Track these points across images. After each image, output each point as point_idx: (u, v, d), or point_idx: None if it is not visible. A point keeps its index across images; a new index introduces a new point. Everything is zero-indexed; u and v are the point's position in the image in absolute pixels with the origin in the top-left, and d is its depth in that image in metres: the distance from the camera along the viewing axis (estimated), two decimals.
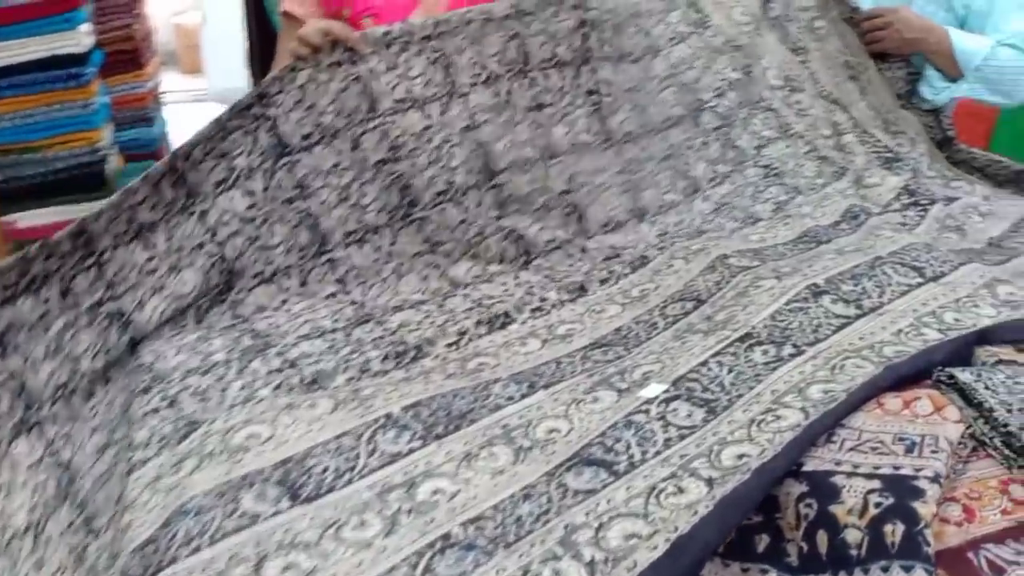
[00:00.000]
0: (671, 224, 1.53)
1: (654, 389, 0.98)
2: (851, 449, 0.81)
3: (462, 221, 1.39)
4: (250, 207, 1.23)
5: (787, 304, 1.14)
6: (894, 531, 0.71)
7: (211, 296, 1.21)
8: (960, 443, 0.82)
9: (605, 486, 0.83)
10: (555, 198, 1.47)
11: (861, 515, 0.73)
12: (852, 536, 0.72)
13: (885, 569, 0.68)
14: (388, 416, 0.97)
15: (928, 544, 0.69)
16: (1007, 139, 2.94)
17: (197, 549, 0.78)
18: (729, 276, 1.26)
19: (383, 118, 1.32)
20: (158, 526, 0.81)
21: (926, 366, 0.95)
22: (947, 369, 0.89)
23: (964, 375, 0.87)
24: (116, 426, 1.03)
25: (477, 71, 1.42)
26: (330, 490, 0.85)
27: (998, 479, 0.79)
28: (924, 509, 0.71)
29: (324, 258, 1.29)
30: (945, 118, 1.86)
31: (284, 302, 1.24)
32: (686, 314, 1.20)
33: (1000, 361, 0.96)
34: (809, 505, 0.77)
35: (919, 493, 0.73)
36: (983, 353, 0.98)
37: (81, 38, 1.96)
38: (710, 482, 0.81)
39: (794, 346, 1.04)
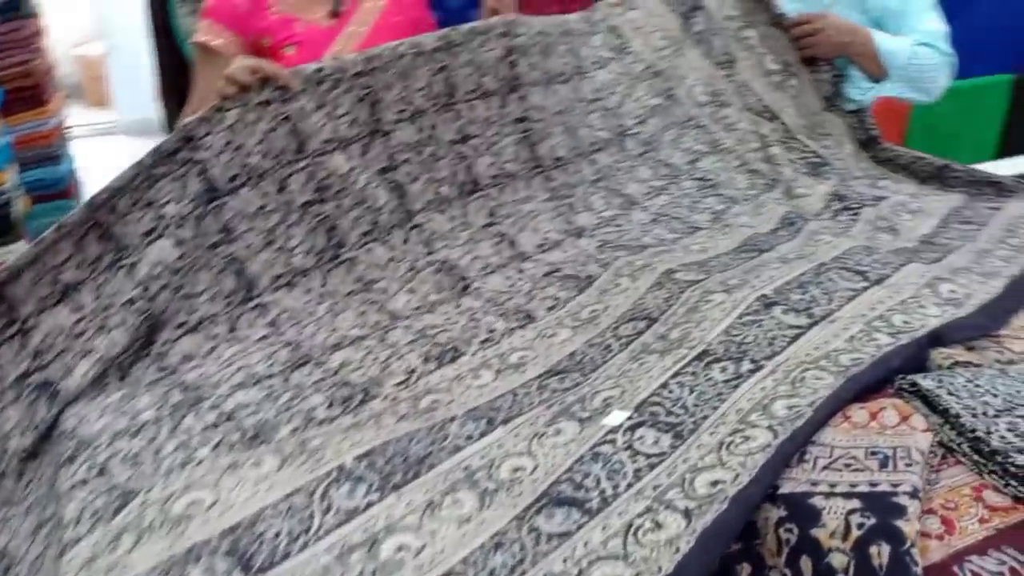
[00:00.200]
0: (611, 235, 1.51)
1: (617, 417, 0.94)
2: (825, 467, 0.80)
3: (391, 259, 1.34)
4: (180, 257, 1.15)
5: (740, 318, 1.13)
6: (880, 552, 0.69)
7: (133, 351, 1.12)
8: (931, 452, 0.81)
9: (580, 527, 0.79)
10: (480, 231, 1.43)
11: (844, 537, 0.71)
12: (837, 560, 0.70)
13: None
14: (340, 468, 0.91)
15: (916, 564, 0.67)
16: (919, 134, 3.05)
17: None
18: (678, 292, 1.24)
19: (311, 159, 1.26)
20: None
21: (885, 374, 0.94)
22: (909, 377, 0.89)
23: (926, 382, 0.87)
24: (46, 503, 0.94)
25: (403, 107, 1.37)
26: (285, 556, 0.79)
27: (970, 486, 0.79)
28: (908, 527, 0.70)
29: (252, 304, 1.21)
30: (868, 118, 1.90)
31: (213, 349, 1.16)
32: (639, 334, 1.18)
33: (956, 363, 0.96)
34: (789, 530, 0.75)
35: (901, 511, 0.71)
36: (938, 356, 0.99)
37: None
38: (687, 514, 0.78)
39: (752, 361, 1.02)
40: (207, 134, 1.17)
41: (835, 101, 1.83)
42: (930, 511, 0.76)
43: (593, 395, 1.03)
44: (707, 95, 1.77)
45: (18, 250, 1.68)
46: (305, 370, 1.13)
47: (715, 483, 0.81)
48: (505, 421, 1.00)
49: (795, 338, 1.08)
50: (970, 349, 1.07)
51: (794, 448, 0.83)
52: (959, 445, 0.82)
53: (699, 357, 1.05)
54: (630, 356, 1.12)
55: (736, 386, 0.98)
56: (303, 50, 1.45)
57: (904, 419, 0.84)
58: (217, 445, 0.97)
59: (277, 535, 0.81)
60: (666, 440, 0.90)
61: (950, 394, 0.85)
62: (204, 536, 0.81)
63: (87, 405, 1.04)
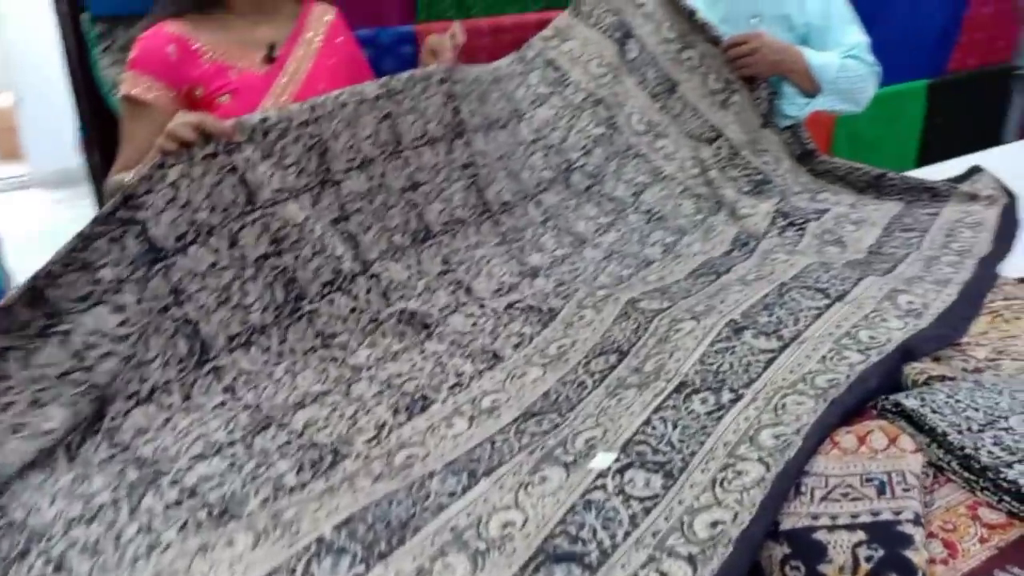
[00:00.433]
0: (566, 275, 1.50)
1: (604, 459, 0.92)
2: (823, 499, 0.79)
3: (353, 309, 1.30)
4: (122, 323, 1.08)
5: (712, 345, 1.12)
6: None
7: (82, 429, 1.05)
8: (923, 472, 0.81)
9: None
10: (435, 279, 1.41)
11: (854, 572, 0.70)
12: None
13: None
14: (320, 541, 0.86)
15: None
16: (845, 143, 3.15)
17: None
18: (645, 322, 1.23)
19: (263, 210, 1.21)
20: None
21: (865, 394, 0.94)
22: (891, 398, 0.89)
23: (909, 402, 0.87)
24: None
25: (351, 156, 1.33)
26: None
27: (965, 504, 0.79)
28: (917, 557, 0.69)
29: (207, 367, 1.15)
30: (803, 133, 1.94)
31: (167, 421, 1.09)
32: (612, 368, 1.16)
33: (930, 377, 0.97)
34: (796, 568, 0.74)
35: (908, 540, 0.70)
36: (912, 371, 0.99)
37: None
38: (692, 560, 0.75)
39: (731, 390, 1.01)
40: (147, 192, 1.11)
41: (771, 119, 1.87)
42: (931, 535, 0.75)
43: (574, 436, 1.01)
44: (644, 124, 1.78)
45: None
46: (268, 434, 1.08)
47: (715, 524, 0.79)
48: (487, 472, 0.96)
49: (769, 362, 1.07)
50: (936, 360, 1.08)
51: (789, 481, 0.82)
52: (948, 463, 0.82)
53: (677, 389, 1.03)
54: (606, 392, 1.10)
55: (719, 418, 0.96)
56: (239, 99, 1.39)
57: (892, 441, 0.84)
58: (184, 526, 0.91)
59: None
60: (657, 481, 0.88)
61: (934, 412, 0.85)
62: None
63: (36, 492, 0.96)
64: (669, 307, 1.26)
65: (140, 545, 0.88)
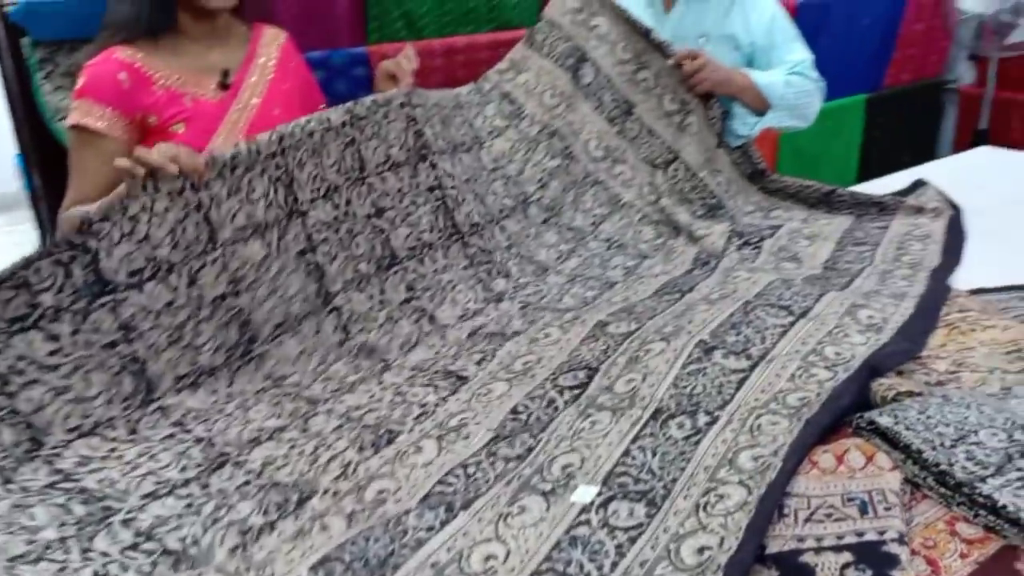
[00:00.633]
0: (531, 298, 1.49)
1: (586, 493, 0.91)
2: (807, 520, 0.79)
3: (302, 352, 1.27)
4: (53, 352, 1.03)
5: (684, 367, 1.13)
6: None
7: (15, 456, 0.99)
8: (901, 489, 0.82)
9: None
10: (397, 308, 1.39)
11: None
12: None
13: None
14: None
15: None
16: (789, 158, 3.23)
17: None
18: (615, 344, 1.23)
19: (223, 248, 1.18)
20: None
21: (838, 412, 0.96)
22: (866, 416, 0.90)
23: (883, 419, 0.89)
24: None
25: (317, 184, 1.31)
26: None
27: (943, 520, 0.80)
28: None
29: (153, 406, 1.11)
30: (754, 152, 1.98)
31: (113, 451, 1.05)
32: (582, 386, 1.15)
33: (898, 393, 0.99)
34: None
35: (894, 561, 0.71)
36: (880, 388, 1.01)
37: None
38: None
39: (707, 412, 1.02)
40: (103, 220, 1.07)
41: (723, 138, 1.90)
42: (913, 552, 0.76)
43: (550, 462, 1.00)
44: (602, 150, 1.79)
45: None
46: (224, 473, 1.04)
47: (702, 550, 0.79)
48: (465, 506, 0.95)
49: (741, 382, 1.08)
50: (900, 374, 1.11)
51: (772, 503, 0.82)
52: (924, 479, 0.84)
53: (654, 416, 1.03)
54: (579, 412, 1.10)
55: (697, 442, 0.97)
56: (193, 126, 1.36)
57: (869, 459, 0.85)
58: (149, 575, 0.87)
59: None
60: (640, 509, 0.87)
61: (907, 429, 0.86)
62: None
63: None
64: (637, 329, 1.26)
65: None
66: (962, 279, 1.47)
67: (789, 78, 1.87)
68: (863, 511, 0.78)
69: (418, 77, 1.52)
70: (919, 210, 1.82)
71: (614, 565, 0.80)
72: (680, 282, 1.50)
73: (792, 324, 1.24)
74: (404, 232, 1.43)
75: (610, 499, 0.90)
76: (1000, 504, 0.76)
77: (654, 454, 0.96)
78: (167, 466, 1.03)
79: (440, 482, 1.00)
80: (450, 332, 1.38)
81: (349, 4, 2.17)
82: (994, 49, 3.25)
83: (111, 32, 1.36)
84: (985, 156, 2.41)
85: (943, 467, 0.82)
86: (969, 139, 3.50)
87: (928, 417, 0.89)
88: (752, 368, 1.12)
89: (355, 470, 1.04)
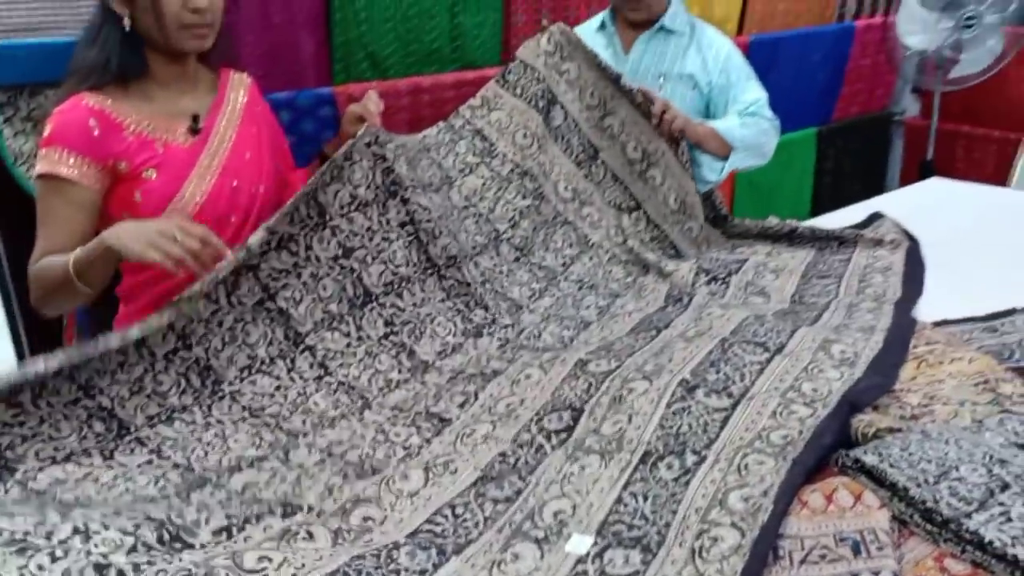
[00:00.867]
0: (510, 333, 1.50)
1: (581, 544, 0.91)
2: (802, 562, 0.80)
3: (278, 387, 1.26)
4: (16, 415, 1.02)
5: (669, 407, 1.14)
6: None
7: None
8: (890, 527, 0.83)
9: None
10: (376, 344, 1.38)
11: None
12: None
13: None
14: None
15: None
16: (746, 192, 3.30)
17: None
18: (596, 383, 1.24)
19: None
20: None
21: (822, 451, 0.98)
22: (851, 454, 0.92)
23: (868, 457, 0.91)
24: None
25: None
26: None
27: (931, 557, 0.82)
28: None
29: (128, 438, 1.10)
30: (716, 197, 2.02)
31: (88, 474, 1.03)
32: (568, 429, 1.16)
33: (879, 430, 1.01)
34: None
35: None
36: (860, 424, 1.04)
37: None
38: None
39: (694, 452, 1.03)
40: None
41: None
42: None
43: (541, 508, 1.00)
44: (570, 192, 1.81)
45: None
46: (205, 491, 1.03)
47: None
48: (456, 551, 0.94)
49: (725, 420, 1.10)
50: (876, 409, 1.14)
51: (766, 546, 0.83)
52: (911, 516, 0.86)
53: (643, 459, 1.04)
54: (567, 456, 1.10)
55: (687, 483, 0.98)
56: (164, 172, 1.34)
57: (858, 498, 0.87)
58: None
59: None
60: (636, 556, 0.88)
61: (892, 467, 0.88)
62: None
63: None
64: (618, 367, 1.27)
65: None
66: (923, 311, 1.52)
67: (745, 119, 1.92)
68: (856, 551, 0.79)
69: (384, 117, 1.52)
70: (878, 242, 1.87)
71: None
72: (655, 319, 1.52)
73: (769, 361, 1.26)
74: (378, 269, 1.42)
75: (605, 547, 0.90)
76: (987, 540, 0.78)
77: (646, 498, 0.97)
78: (144, 485, 1.03)
79: (428, 521, 1.00)
80: (430, 373, 1.37)
81: (314, 45, 2.18)
82: (937, 83, 3.39)
83: (79, 78, 1.33)
84: (935, 188, 2.49)
85: (929, 504, 0.84)
86: (916, 169, 3.63)
87: (910, 454, 0.91)
88: (734, 406, 1.13)
89: (340, 490, 1.05)
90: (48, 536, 0.82)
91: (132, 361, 1.13)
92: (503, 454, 1.13)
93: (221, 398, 1.19)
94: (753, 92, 1.98)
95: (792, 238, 1.94)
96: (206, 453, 1.11)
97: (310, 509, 1.01)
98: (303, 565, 0.88)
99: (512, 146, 1.76)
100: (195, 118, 1.41)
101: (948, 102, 3.59)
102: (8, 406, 1.01)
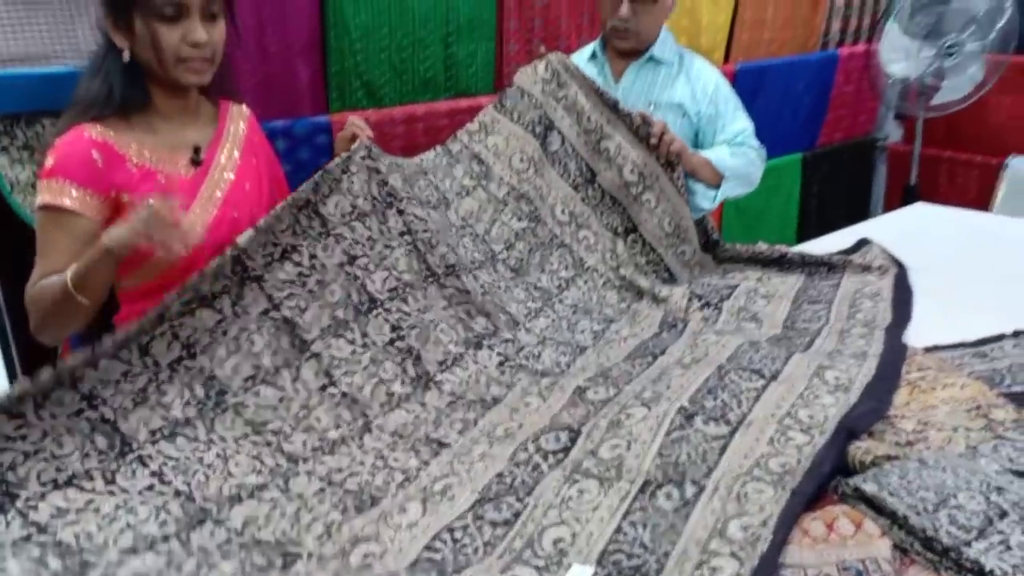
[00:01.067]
0: (509, 350, 1.51)
1: (583, 573, 0.92)
2: None
3: (281, 399, 1.26)
4: (19, 427, 1.02)
5: (668, 435, 1.15)
6: None
7: None
8: (892, 556, 0.85)
9: None
10: (382, 350, 1.39)
11: None
12: None
13: None
14: None
15: None
16: (734, 215, 3.34)
17: None
18: (595, 410, 1.26)
19: (169, 322, 1.18)
20: None
21: (821, 479, 0.99)
22: (851, 482, 0.94)
23: (868, 486, 0.92)
24: None
25: (268, 251, 1.31)
26: None
27: None
28: None
29: (131, 456, 1.09)
30: (708, 222, 2.05)
31: (89, 503, 1.02)
32: (565, 449, 1.17)
33: (876, 457, 1.02)
34: None
35: None
36: (857, 452, 1.05)
37: None
38: None
39: (693, 482, 1.04)
40: None
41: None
42: None
43: (540, 534, 1.01)
44: (567, 215, 1.83)
45: None
46: (205, 530, 1.03)
47: None
48: (457, 570, 0.95)
49: (723, 448, 1.11)
50: (871, 435, 1.15)
51: None
52: (912, 545, 0.87)
53: (642, 489, 1.05)
54: (564, 477, 1.11)
55: (687, 515, 0.99)
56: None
57: (858, 526, 0.88)
58: None
59: None
60: None
61: (891, 495, 0.90)
62: None
63: None
64: (616, 394, 1.29)
65: None
66: (912, 336, 1.54)
67: (734, 149, 1.96)
68: None
69: (379, 144, 1.55)
70: (866, 268, 1.90)
71: None
72: (651, 345, 1.53)
73: (765, 388, 1.28)
74: (381, 276, 1.44)
75: None
76: (987, 569, 0.79)
77: (645, 527, 0.98)
78: (145, 520, 1.02)
79: (427, 547, 1.00)
80: (431, 391, 1.38)
81: (310, 74, 2.20)
82: (920, 110, 3.45)
83: (81, 109, 1.34)
84: (920, 213, 2.53)
85: (928, 533, 0.85)
86: (900, 193, 3.69)
87: (909, 482, 0.93)
88: (732, 433, 1.15)
89: (339, 530, 1.05)
90: None
91: (136, 371, 1.13)
92: (500, 474, 1.14)
93: (224, 411, 1.19)
94: (740, 122, 2.02)
95: (782, 263, 1.97)
96: (207, 478, 1.11)
97: (310, 556, 1.00)
98: None
99: (509, 170, 1.78)
100: (196, 150, 1.42)
101: (931, 127, 3.65)
102: (10, 417, 1.01)
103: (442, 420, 1.31)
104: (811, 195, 3.76)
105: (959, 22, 3.17)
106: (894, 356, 1.41)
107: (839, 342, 1.51)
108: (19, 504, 0.98)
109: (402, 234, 1.50)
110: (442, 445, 1.24)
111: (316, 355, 1.31)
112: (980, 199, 3.53)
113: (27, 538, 0.94)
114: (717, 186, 1.92)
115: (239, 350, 1.24)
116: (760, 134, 2.02)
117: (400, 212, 1.50)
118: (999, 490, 0.91)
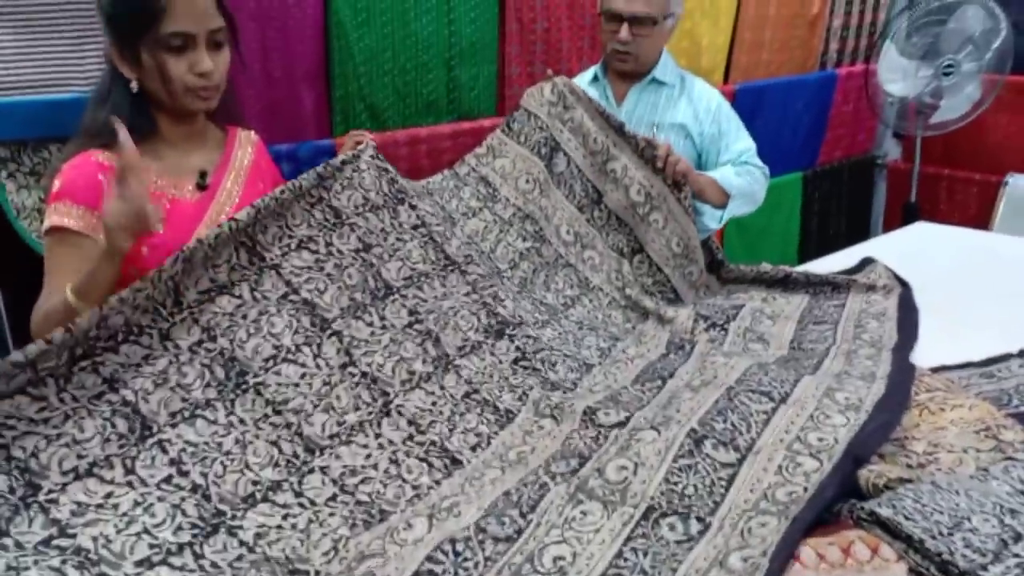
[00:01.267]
0: (527, 344, 1.52)
1: None
2: None
3: (303, 375, 1.26)
4: (41, 410, 1.03)
5: (675, 461, 1.15)
6: None
7: (11, 503, 0.97)
8: None
9: None
10: (401, 332, 1.39)
11: None
12: None
13: None
14: None
15: None
16: (735, 234, 3.35)
17: None
18: (605, 432, 1.26)
19: (188, 309, 1.20)
20: None
21: (823, 504, 0.99)
22: (866, 507, 0.93)
23: (883, 510, 0.92)
24: None
25: (285, 241, 1.32)
26: None
27: None
28: None
29: (150, 441, 1.09)
30: (713, 243, 2.05)
31: (109, 496, 1.03)
32: (573, 472, 1.17)
33: (890, 480, 1.02)
34: None
35: None
36: (871, 475, 1.05)
37: None
38: None
39: (698, 519, 1.03)
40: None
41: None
42: None
43: (541, 551, 1.01)
44: (572, 235, 1.84)
45: None
46: (218, 541, 1.04)
47: None
48: None
49: (731, 479, 1.11)
50: (882, 458, 1.15)
51: None
52: (928, 569, 0.87)
53: (645, 515, 1.05)
54: (569, 496, 1.11)
55: (690, 548, 0.99)
56: (171, 227, 1.35)
57: (874, 551, 0.88)
58: None
59: None
60: None
61: (907, 519, 0.90)
62: None
63: None
64: (627, 418, 1.29)
65: None
66: (919, 357, 1.54)
67: (739, 168, 1.98)
68: None
69: None
70: (871, 287, 1.91)
71: None
72: (659, 367, 1.53)
73: (774, 411, 1.27)
74: (396, 265, 1.45)
75: None
76: None
77: (646, 555, 0.98)
78: (161, 523, 1.03)
79: (429, 558, 1.01)
80: (449, 374, 1.40)
81: (314, 98, 2.22)
82: (918, 128, 3.47)
83: (89, 137, 1.35)
84: (921, 232, 2.54)
85: (945, 556, 0.85)
86: (900, 211, 3.70)
87: (923, 505, 0.93)
88: (740, 461, 1.14)
89: (346, 546, 1.07)
90: None
91: (156, 354, 1.15)
92: (507, 492, 1.14)
93: (245, 390, 1.20)
94: (743, 142, 2.04)
95: (786, 283, 1.97)
96: (224, 468, 1.12)
97: (316, 574, 1.02)
98: None
99: (515, 191, 1.79)
100: (202, 174, 1.43)
101: (929, 145, 3.67)
102: (33, 400, 1.02)
103: (456, 421, 1.32)
104: (812, 212, 3.78)
105: (956, 42, 3.20)
106: (903, 377, 1.40)
107: (847, 363, 1.51)
108: (41, 497, 0.99)
109: (415, 227, 1.52)
110: (455, 462, 1.25)
111: (337, 333, 1.32)
112: (980, 216, 3.55)
113: (47, 541, 0.95)
114: (723, 206, 1.93)
115: (259, 331, 1.25)
116: (761, 153, 2.04)
117: (412, 207, 1.53)
118: (1013, 512, 0.91)
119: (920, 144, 3.59)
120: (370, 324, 1.37)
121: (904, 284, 1.91)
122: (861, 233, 3.95)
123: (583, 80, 2.10)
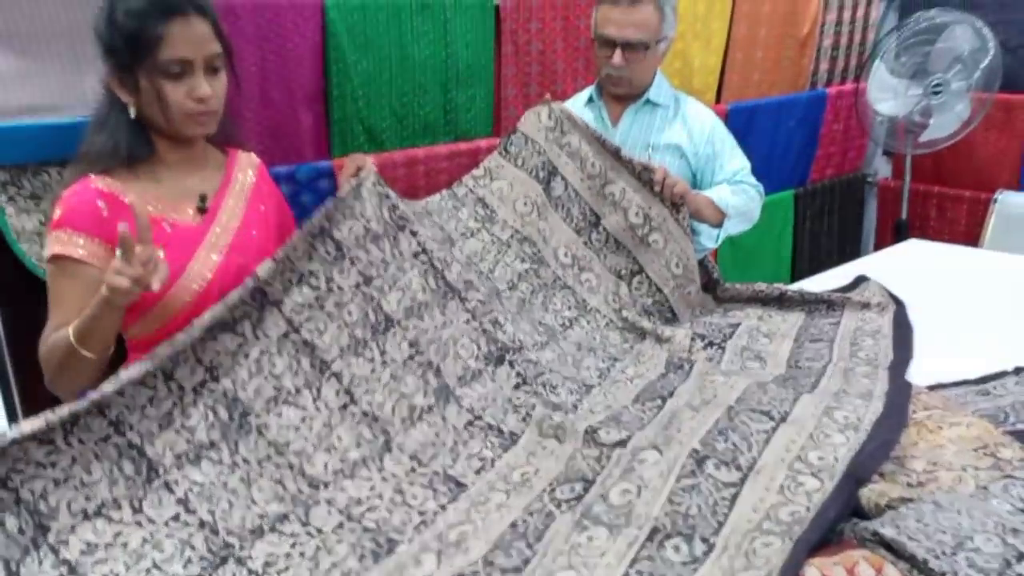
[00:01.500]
0: (529, 370, 1.53)
1: None
2: None
3: (303, 419, 1.27)
4: (49, 454, 1.04)
5: (679, 481, 1.16)
6: None
7: (21, 545, 0.99)
8: None
9: None
10: (401, 366, 1.40)
11: None
12: None
13: None
14: None
15: None
16: (728, 252, 3.37)
17: None
18: (607, 452, 1.27)
19: (193, 346, 1.20)
20: None
21: (826, 525, 1.00)
22: (869, 527, 0.94)
23: (886, 530, 0.93)
24: None
25: (287, 276, 1.33)
26: None
27: None
28: None
29: (157, 483, 1.11)
30: (709, 262, 2.07)
31: (117, 535, 1.05)
32: (578, 498, 1.18)
33: (891, 500, 1.03)
34: None
35: None
36: (872, 495, 1.06)
37: None
38: None
39: (703, 540, 1.04)
40: None
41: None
42: None
43: None
44: (569, 258, 1.86)
45: None
46: (227, 571, 1.06)
47: None
48: None
49: (734, 499, 1.12)
50: (882, 476, 1.16)
51: None
52: None
53: (650, 537, 1.06)
54: (574, 523, 1.12)
55: (695, 570, 0.99)
56: (172, 251, 1.35)
57: (879, 571, 0.89)
58: None
59: None
60: None
61: (910, 539, 0.91)
62: None
63: None
64: (628, 437, 1.29)
65: None
66: (914, 374, 1.56)
67: (734, 187, 1.99)
68: None
69: None
70: (865, 305, 1.92)
71: None
72: (658, 387, 1.54)
73: (775, 430, 1.28)
74: (396, 296, 1.46)
75: None
76: None
77: None
78: (170, 558, 1.04)
79: None
80: (451, 405, 1.40)
81: (313, 120, 2.23)
82: (908, 147, 3.51)
83: (88, 163, 1.35)
84: (913, 249, 2.57)
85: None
86: (891, 228, 3.73)
87: (926, 525, 0.93)
88: (743, 481, 1.15)
89: None
90: None
91: (161, 395, 1.16)
92: (513, 523, 1.14)
93: (248, 432, 1.21)
94: (738, 161, 2.06)
95: (782, 301, 1.99)
96: (231, 505, 1.13)
97: None
98: None
99: (513, 213, 1.80)
100: (203, 198, 1.43)
101: (919, 163, 3.71)
102: (40, 443, 1.03)
103: (460, 450, 1.32)
104: (804, 230, 3.80)
105: (944, 62, 3.24)
106: (900, 395, 1.42)
107: (844, 382, 1.53)
108: (51, 539, 1.00)
109: (416, 255, 1.53)
110: (460, 485, 1.25)
111: (336, 375, 1.33)
112: (970, 233, 3.58)
113: None
114: (719, 225, 1.95)
115: (261, 372, 1.26)
116: (753, 171, 2.05)
117: (413, 233, 1.54)
118: (1015, 531, 0.92)
119: (910, 162, 3.63)
120: (371, 360, 1.38)
121: (898, 302, 1.93)
122: (852, 250, 3.98)
123: (578, 101, 2.12)
